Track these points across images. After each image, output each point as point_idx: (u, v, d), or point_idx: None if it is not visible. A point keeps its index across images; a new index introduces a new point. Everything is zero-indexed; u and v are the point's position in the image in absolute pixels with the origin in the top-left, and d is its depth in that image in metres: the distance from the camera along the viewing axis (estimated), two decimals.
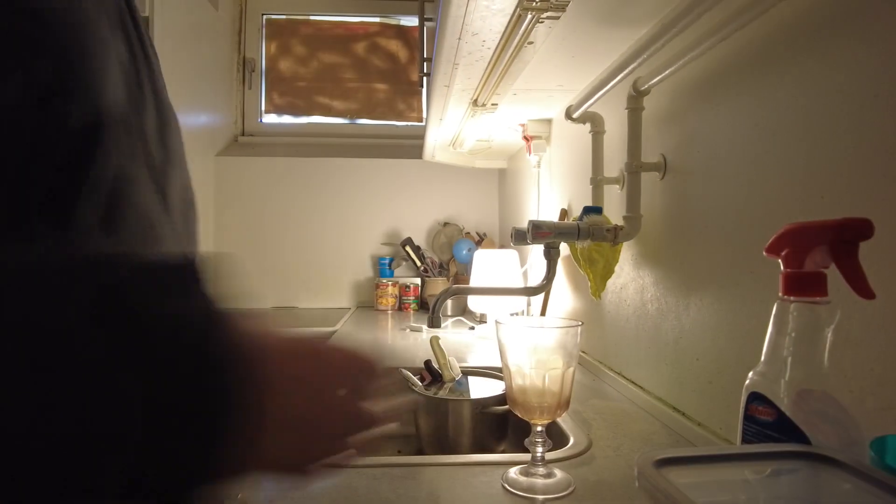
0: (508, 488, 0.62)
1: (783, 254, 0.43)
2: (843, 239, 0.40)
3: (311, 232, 2.40)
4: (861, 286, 0.40)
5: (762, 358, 0.44)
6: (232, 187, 2.34)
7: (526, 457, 0.72)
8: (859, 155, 0.51)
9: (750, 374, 0.44)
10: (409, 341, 1.56)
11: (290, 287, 2.37)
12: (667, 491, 0.33)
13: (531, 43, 0.94)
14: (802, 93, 0.58)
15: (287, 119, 2.55)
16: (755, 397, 0.43)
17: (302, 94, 2.55)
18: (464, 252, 2.30)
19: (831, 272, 0.41)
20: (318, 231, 2.40)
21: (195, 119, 2.07)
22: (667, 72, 0.79)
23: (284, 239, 2.38)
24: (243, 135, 2.50)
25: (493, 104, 1.34)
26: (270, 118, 2.54)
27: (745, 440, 0.44)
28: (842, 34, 0.53)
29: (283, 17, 2.54)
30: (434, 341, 1.06)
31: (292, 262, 2.38)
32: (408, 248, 2.29)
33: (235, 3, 2.48)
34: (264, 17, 2.52)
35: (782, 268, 0.43)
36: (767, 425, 0.42)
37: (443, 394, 0.95)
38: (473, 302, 1.84)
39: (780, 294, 0.43)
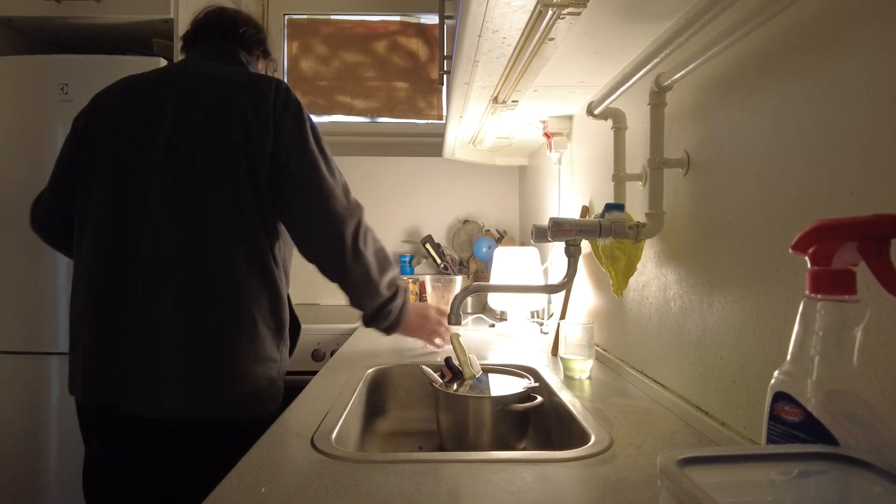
0: None
1: (810, 251, 0.42)
2: (874, 236, 0.39)
3: None
4: (893, 285, 0.39)
5: (788, 357, 0.43)
6: None
7: (546, 454, 0.72)
8: (891, 149, 0.50)
9: (776, 373, 0.44)
10: None
11: (312, 284, 2.39)
12: (690, 491, 0.33)
13: (552, 39, 0.94)
14: (830, 86, 0.57)
15: None
16: (781, 397, 0.43)
17: (323, 94, 2.57)
18: (484, 249, 2.30)
19: (861, 270, 0.40)
20: None
21: None
22: (690, 67, 0.78)
23: None
24: None
25: (513, 101, 1.34)
26: None
27: (770, 440, 0.44)
28: (871, 25, 0.52)
29: (305, 16, 2.56)
30: (454, 338, 1.06)
31: None
32: (428, 246, 2.30)
33: (257, 4, 2.51)
34: (286, 17, 2.55)
35: (809, 265, 0.42)
36: (794, 426, 0.41)
37: (463, 391, 0.95)
38: (493, 299, 1.84)
39: (807, 292, 0.42)
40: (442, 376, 1.01)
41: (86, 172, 1.03)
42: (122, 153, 1.01)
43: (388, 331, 1.18)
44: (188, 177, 0.97)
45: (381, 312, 1.14)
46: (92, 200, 1.01)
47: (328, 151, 1.05)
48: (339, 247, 1.02)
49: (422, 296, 2.29)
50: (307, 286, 2.39)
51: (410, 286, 2.29)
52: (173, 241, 0.95)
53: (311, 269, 2.34)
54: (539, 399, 0.94)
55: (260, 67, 1.23)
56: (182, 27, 1.76)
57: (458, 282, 1.57)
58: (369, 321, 1.15)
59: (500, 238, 2.36)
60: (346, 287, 1.09)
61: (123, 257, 0.97)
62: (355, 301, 1.11)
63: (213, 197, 0.97)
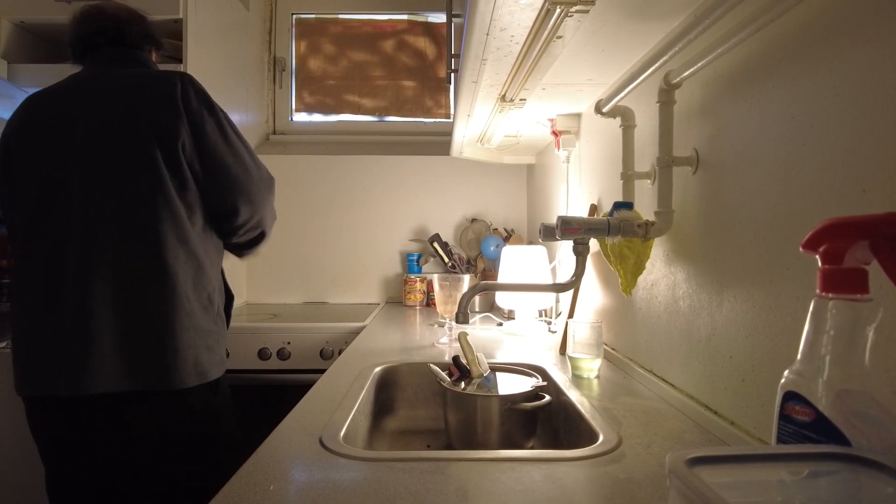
0: None
1: (821, 250, 0.42)
2: (886, 234, 0.39)
3: (341, 228, 2.43)
4: None
5: (798, 356, 0.43)
6: None
7: (554, 453, 0.71)
8: None
9: (786, 372, 0.43)
10: (437, 337, 1.57)
11: (320, 283, 2.41)
12: (699, 490, 0.33)
13: (560, 37, 0.94)
14: (842, 83, 0.57)
15: (317, 117, 2.58)
16: (792, 396, 0.42)
17: (331, 93, 2.58)
18: (491, 248, 2.30)
19: (873, 268, 0.40)
20: (347, 227, 2.43)
21: None
22: (699, 64, 0.77)
23: (315, 236, 2.42)
24: (274, 133, 2.54)
25: (521, 99, 1.33)
26: (301, 117, 2.58)
27: (780, 440, 0.43)
28: (883, 21, 0.51)
29: (313, 16, 2.57)
30: (462, 337, 1.06)
31: (323, 259, 2.41)
32: (435, 245, 2.30)
33: (266, 3, 2.52)
34: (294, 16, 2.56)
35: (820, 264, 0.42)
36: (805, 425, 0.41)
37: (471, 389, 0.95)
38: (501, 298, 1.83)
39: (818, 291, 0.42)
40: (450, 375, 1.01)
41: (9, 182, 1.11)
42: (42, 161, 1.08)
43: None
44: (109, 172, 1.06)
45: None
46: (19, 206, 1.09)
47: (234, 127, 1.18)
48: (259, 210, 1.21)
49: (429, 294, 2.30)
50: (315, 285, 2.40)
51: (418, 285, 2.29)
52: (103, 232, 1.04)
53: (317, 270, 2.38)
54: (547, 398, 0.94)
55: (154, 58, 1.29)
56: (191, 27, 1.77)
57: (466, 280, 1.56)
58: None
59: (508, 237, 2.36)
60: (257, 240, 1.27)
61: (57, 251, 1.04)
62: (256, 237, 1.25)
63: (135, 189, 1.05)
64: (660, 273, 1.00)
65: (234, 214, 1.16)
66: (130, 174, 1.06)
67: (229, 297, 1.25)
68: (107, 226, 1.04)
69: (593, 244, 1.31)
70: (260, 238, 1.27)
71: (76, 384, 1.00)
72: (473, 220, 2.44)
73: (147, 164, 1.05)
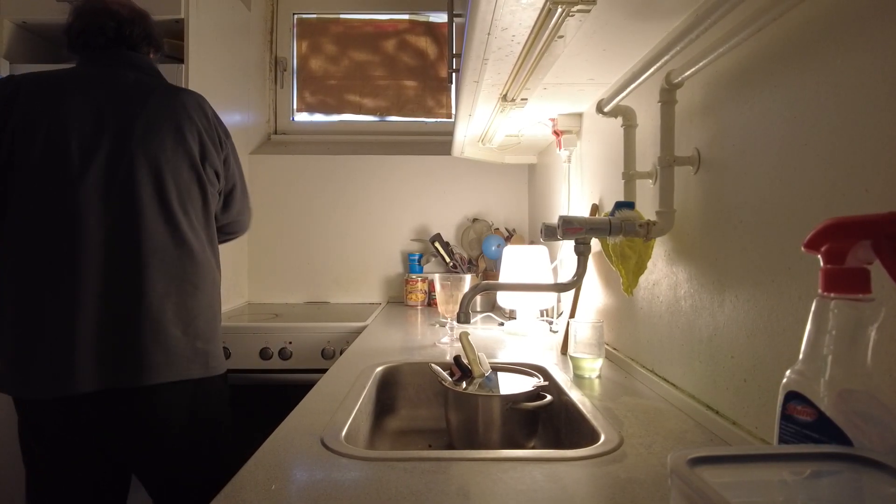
0: None
1: (823, 249, 0.42)
2: (889, 234, 0.39)
3: (343, 228, 2.43)
4: None
5: (800, 356, 0.43)
6: (265, 185, 2.39)
7: (556, 453, 0.71)
8: None
9: (788, 372, 0.43)
10: (439, 337, 1.57)
11: (322, 283, 2.41)
12: (701, 490, 0.33)
13: (561, 37, 0.94)
14: (845, 82, 0.56)
15: (318, 117, 2.58)
16: (793, 396, 0.42)
17: (332, 93, 2.58)
18: (493, 248, 2.30)
19: (875, 268, 0.40)
20: (349, 227, 2.43)
21: (230, 118, 2.11)
22: (701, 63, 0.77)
23: (316, 235, 2.42)
24: (276, 133, 2.55)
25: (522, 99, 1.33)
26: (302, 117, 2.58)
27: (782, 440, 0.43)
28: (887, 21, 0.51)
29: (314, 16, 2.57)
30: (463, 337, 1.06)
31: (324, 258, 2.41)
32: (437, 244, 2.30)
33: (267, 4, 2.52)
34: (295, 16, 2.56)
35: (822, 264, 0.42)
36: (806, 425, 0.41)
37: (472, 389, 0.95)
38: (503, 298, 1.83)
39: (820, 291, 0.42)
40: (451, 374, 1.01)
41: (26, 163, 1.05)
42: (39, 163, 1.05)
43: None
44: (115, 172, 1.07)
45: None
46: (25, 198, 1.05)
47: None
48: (249, 215, 1.42)
49: (431, 294, 2.30)
50: (317, 285, 2.40)
51: (420, 285, 2.29)
52: (156, 233, 1.09)
53: (319, 269, 2.39)
54: (548, 398, 0.94)
55: (152, 59, 1.30)
56: (193, 27, 1.77)
57: (467, 280, 1.56)
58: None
59: (510, 236, 2.36)
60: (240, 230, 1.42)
61: (66, 250, 1.04)
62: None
63: (149, 197, 1.09)
64: (661, 273, 1.00)
65: (237, 233, 1.38)
66: (140, 182, 1.08)
67: None
68: (160, 228, 1.09)
69: (595, 244, 1.31)
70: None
71: (116, 377, 1.03)
72: (475, 219, 2.44)
73: (157, 173, 1.09)
